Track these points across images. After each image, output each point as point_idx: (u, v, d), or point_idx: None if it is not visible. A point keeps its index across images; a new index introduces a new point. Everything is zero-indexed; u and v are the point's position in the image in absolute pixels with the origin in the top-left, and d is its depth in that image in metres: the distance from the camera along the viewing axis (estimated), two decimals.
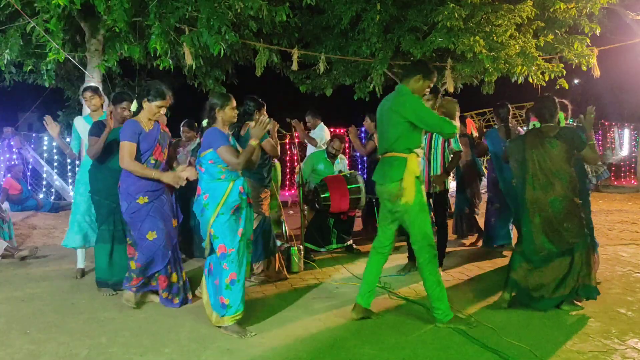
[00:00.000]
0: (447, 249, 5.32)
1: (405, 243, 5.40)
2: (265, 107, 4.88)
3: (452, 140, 4.88)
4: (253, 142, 3.57)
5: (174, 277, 4.06)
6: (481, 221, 6.46)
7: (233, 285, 3.52)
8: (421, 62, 4.05)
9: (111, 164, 4.37)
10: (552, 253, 3.88)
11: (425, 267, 3.63)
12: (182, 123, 6.29)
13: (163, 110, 3.97)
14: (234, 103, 3.73)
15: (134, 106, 4.00)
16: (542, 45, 9.45)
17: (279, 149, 4.94)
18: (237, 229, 3.58)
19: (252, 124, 4.17)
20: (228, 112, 3.68)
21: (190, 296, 4.20)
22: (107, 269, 4.43)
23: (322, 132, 7.04)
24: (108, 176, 4.37)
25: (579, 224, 3.87)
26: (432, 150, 4.88)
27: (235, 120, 3.83)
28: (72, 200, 5.02)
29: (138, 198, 3.88)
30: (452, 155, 4.96)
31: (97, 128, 4.43)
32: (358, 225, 6.82)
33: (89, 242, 4.88)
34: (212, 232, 3.55)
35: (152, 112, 3.90)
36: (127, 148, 3.80)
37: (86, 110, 5.26)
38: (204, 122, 3.75)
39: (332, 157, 6.37)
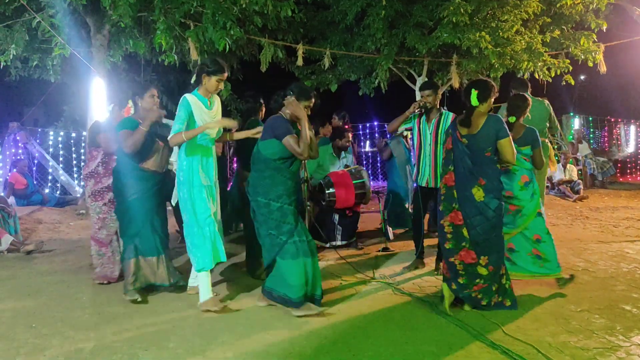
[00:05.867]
0: None
1: (412, 241, 5.42)
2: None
3: None
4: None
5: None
6: None
7: None
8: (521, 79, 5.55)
9: (293, 166, 3.94)
10: None
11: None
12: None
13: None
14: None
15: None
16: (548, 41, 9.39)
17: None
18: None
19: None
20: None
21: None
22: (304, 286, 3.80)
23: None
24: (288, 179, 3.90)
25: None
26: (438, 145, 4.88)
27: None
28: (190, 207, 4.00)
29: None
30: None
31: (288, 125, 3.86)
32: (362, 222, 6.80)
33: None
34: None
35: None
36: None
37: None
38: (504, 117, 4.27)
39: (338, 152, 6.37)
